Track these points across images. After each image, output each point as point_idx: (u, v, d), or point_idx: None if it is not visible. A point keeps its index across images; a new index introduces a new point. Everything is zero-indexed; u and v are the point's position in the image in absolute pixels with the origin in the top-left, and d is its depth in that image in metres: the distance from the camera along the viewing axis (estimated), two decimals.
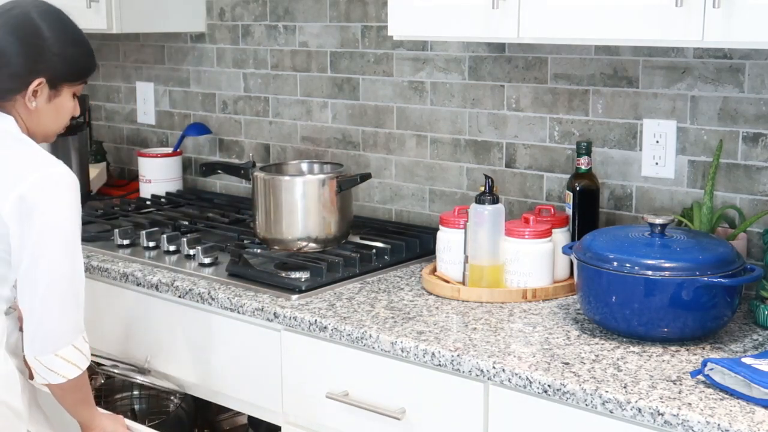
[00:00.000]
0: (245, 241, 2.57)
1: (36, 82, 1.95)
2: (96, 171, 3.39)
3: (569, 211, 2.30)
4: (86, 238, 1.99)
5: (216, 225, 2.80)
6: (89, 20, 2.93)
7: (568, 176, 2.37)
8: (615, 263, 1.88)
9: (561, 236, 2.24)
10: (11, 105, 1.97)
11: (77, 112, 2.07)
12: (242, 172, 2.56)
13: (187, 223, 2.80)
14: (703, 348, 1.86)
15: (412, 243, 2.53)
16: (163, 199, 3.13)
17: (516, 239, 2.18)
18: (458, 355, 1.84)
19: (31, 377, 1.97)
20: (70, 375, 1.93)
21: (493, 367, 1.79)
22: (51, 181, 1.89)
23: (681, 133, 2.28)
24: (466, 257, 2.20)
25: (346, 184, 2.45)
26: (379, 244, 2.50)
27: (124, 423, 2.12)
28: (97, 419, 2.07)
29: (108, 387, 2.60)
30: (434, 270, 2.30)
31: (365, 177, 2.51)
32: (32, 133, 2.00)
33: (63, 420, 2.10)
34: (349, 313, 2.08)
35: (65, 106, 2.03)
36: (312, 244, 2.44)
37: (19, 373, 1.96)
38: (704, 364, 1.68)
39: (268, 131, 3.12)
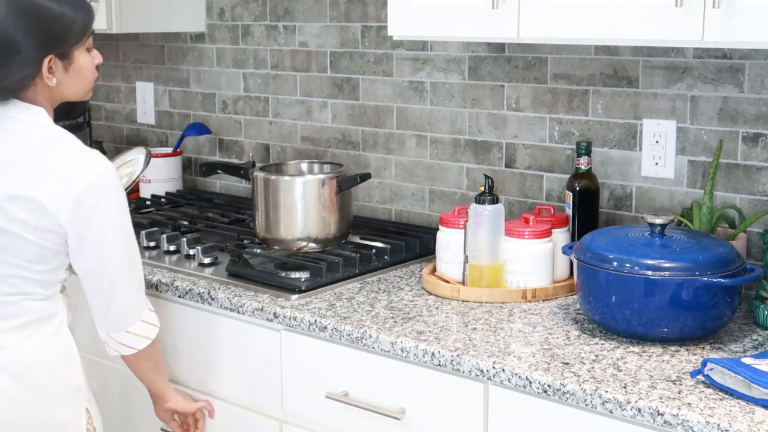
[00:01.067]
0: (245, 241, 2.57)
1: (46, 60, 1.95)
2: None
3: (569, 211, 2.30)
4: None
5: (216, 225, 2.80)
6: None
7: (568, 176, 2.37)
8: (615, 263, 1.88)
9: (561, 236, 2.24)
10: (33, 90, 1.97)
11: (99, 59, 2.08)
12: (242, 172, 2.56)
13: (186, 223, 2.80)
14: (703, 348, 1.86)
15: (412, 243, 2.53)
16: (162, 199, 3.13)
17: (516, 239, 2.18)
18: (458, 355, 1.84)
19: None
20: (141, 346, 2.07)
21: (493, 367, 1.79)
22: (100, 183, 1.94)
23: (681, 133, 2.28)
24: (466, 257, 2.20)
25: (345, 184, 2.45)
26: (379, 244, 2.50)
27: (195, 404, 2.23)
28: (170, 391, 2.20)
29: None
30: (434, 270, 2.30)
31: (365, 177, 2.51)
32: (63, 100, 2.04)
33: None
34: (348, 313, 2.08)
35: (84, 66, 2.02)
36: (312, 244, 2.44)
37: (77, 351, 2.07)
38: (704, 364, 1.68)
39: (268, 131, 3.12)
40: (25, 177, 1.92)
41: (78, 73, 2.01)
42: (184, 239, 2.53)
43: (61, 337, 2.04)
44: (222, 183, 3.28)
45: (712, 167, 2.13)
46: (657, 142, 2.31)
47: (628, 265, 1.86)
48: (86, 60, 2.03)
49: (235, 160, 3.20)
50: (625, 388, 1.67)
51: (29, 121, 1.97)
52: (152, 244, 2.59)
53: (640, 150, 2.34)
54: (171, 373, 2.37)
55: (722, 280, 1.82)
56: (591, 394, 1.67)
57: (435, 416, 1.91)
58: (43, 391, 1.99)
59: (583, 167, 2.29)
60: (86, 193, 1.92)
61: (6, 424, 1.98)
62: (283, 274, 2.32)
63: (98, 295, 2.01)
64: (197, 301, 2.28)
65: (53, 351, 2.02)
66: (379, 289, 2.26)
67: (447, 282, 2.22)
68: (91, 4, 2.08)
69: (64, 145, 1.97)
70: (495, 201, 2.18)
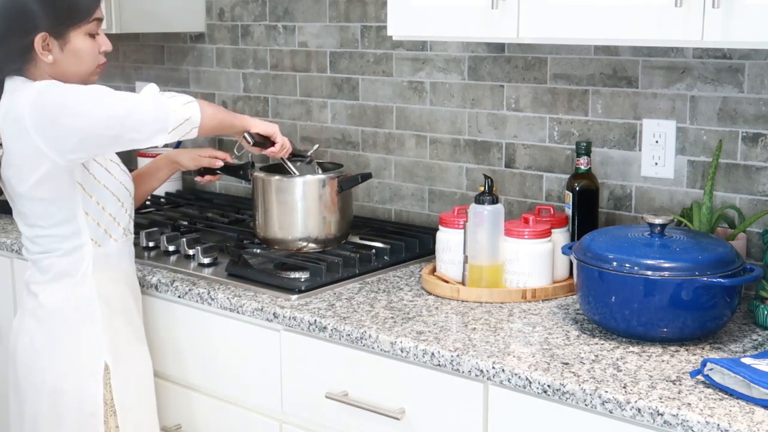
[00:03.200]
0: (245, 242, 2.57)
1: (38, 38, 2.05)
2: None
3: (569, 211, 2.30)
4: None
5: (215, 225, 2.80)
6: None
7: (568, 176, 2.37)
8: (614, 263, 1.88)
9: (560, 236, 2.24)
10: (33, 65, 2.09)
11: (107, 47, 2.16)
12: (241, 172, 2.55)
13: (186, 223, 2.80)
14: (703, 348, 1.86)
15: (412, 243, 2.53)
16: (162, 199, 3.13)
17: (515, 239, 2.18)
18: (458, 355, 1.84)
19: None
20: (193, 126, 2.10)
21: (493, 367, 1.79)
22: (42, 90, 2.02)
23: (680, 133, 2.28)
24: (466, 257, 2.20)
25: (346, 183, 2.45)
26: (379, 245, 2.50)
27: (274, 126, 2.35)
28: (248, 119, 2.30)
29: None
30: (434, 270, 2.30)
31: (366, 177, 2.50)
32: (66, 81, 2.10)
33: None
34: (348, 313, 2.08)
35: (81, 49, 2.10)
36: (312, 245, 2.44)
37: (100, 306, 2.16)
38: (704, 364, 1.68)
39: None
40: (9, 138, 2.05)
41: (75, 55, 2.10)
42: (184, 239, 2.53)
43: (81, 292, 2.15)
44: (221, 183, 3.28)
45: (712, 167, 2.13)
46: (657, 142, 2.31)
47: (627, 265, 1.86)
48: (85, 43, 2.11)
49: (234, 161, 3.20)
50: (624, 388, 1.67)
51: (13, 88, 2.08)
52: (152, 244, 2.59)
53: (640, 150, 2.34)
54: (171, 373, 2.38)
55: (722, 280, 1.82)
56: (591, 394, 1.67)
57: (435, 416, 1.91)
58: (59, 340, 2.14)
59: (582, 167, 2.29)
60: (34, 101, 2.00)
61: (30, 367, 2.17)
62: (283, 275, 2.32)
63: (117, 137, 2.04)
64: (197, 301, 2.28)
65: (72, 304, 2.15)
66: (379, 289, 2.26)
67: (447, 282, 2.22)
68: None
69: (24, 86, 2.06)
70: (495, 201, 2.18)
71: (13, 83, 2.09)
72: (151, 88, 2.09)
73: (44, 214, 2.12)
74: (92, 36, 2.12)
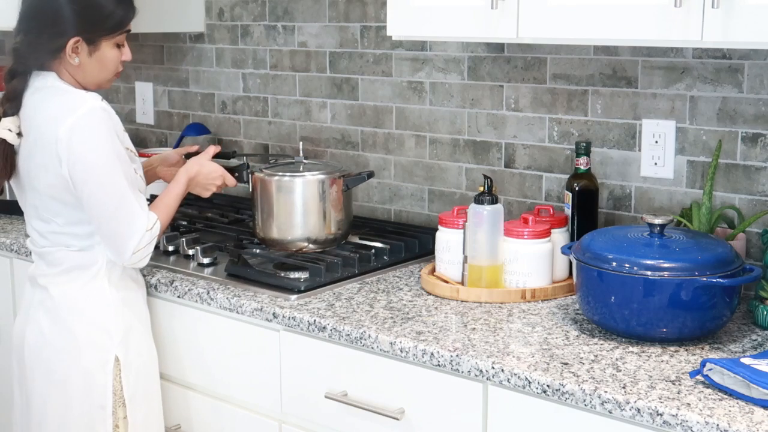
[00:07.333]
0: (244, 242, 2.57)
1: (71, 42, 2.13)
2: None
3: (568, 212, 2.30)
4: None
5: (215, 225, 2.80)
6: None
7: (567, 176, 2.37)
8: (614, 263, 1.88)
9: (560, 236, 2.24)
10: (58, 62, 2.16)
11: (128, 57, 2.25)
12: (236, 175, 2.54)
13: (186, 223, 2.80)
14: (702, 348, 1.86)
15: (411, 243, 2.53)
16: None
17: (515, 239, 2.18)
18: (457, 356, 1.84)
19: None
20: (150, 251, 2.18)
21: (492, 368, 1.79)
22: (80, 124, 2.07)
23: (680, 134, 2.28)
24: (465, 257, 2.20)
25: (353, 182, 2.45)
26: (378, 245, 2.50)
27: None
28: (185, 179, 2.35)
29: None
30: (433, 270, 2.30)
31: (371, 174, 2.50)
32: (83, 84, 2.20)
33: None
34: (348, 314, 2.08)
35: (107, 57, 2.20)
36: (312, 245, 2.44)
37: (116, 299, 2.20)
38: (703, 364, 1.68)
39: (267, 131, 3.12)
40: (37, 137, 2.12)
41: (100, 61, 2.18)
42: (183, 239, 2.53)
43: (96, 284, 2.18)
44: None
45: (712, 167, 2.13)
46: (656, 142, 2.31)
47: (627, 265, 1.86)
48: (112, 53, 2.20)
49: (233, 161, 3.20)
50: (624, 388, 1.67)
51: (41, 86, 2.15)
52: None
53: (640, 150, 2.34)
54: (171, 373, 2.38)
55: (721, 281, 1.82)
56: (590, 395, 1.67)
57: (434, 416, 1.91)
58: (70, 331, 2.17)
59: (582, 167, 2.29)
60: (71, 134, 2.07)
61: (39, 358, 2.21)
62: (282, 275, 2.32)
63: (98, 230, 2.15)
64: (196, 301, 2.28)
65: (84, 295, 2.19)
66: (379, 289, 2.26)
67: (446, 282, 2.22)
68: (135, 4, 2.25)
69: (64, 96, 2.13)
70: (494, 201, 2.18)
71: (43, 80, 2.15)
72: (147, 232, 2.15)
73: (60, 214, 2.17)
74: (119, 46, 2.21)
